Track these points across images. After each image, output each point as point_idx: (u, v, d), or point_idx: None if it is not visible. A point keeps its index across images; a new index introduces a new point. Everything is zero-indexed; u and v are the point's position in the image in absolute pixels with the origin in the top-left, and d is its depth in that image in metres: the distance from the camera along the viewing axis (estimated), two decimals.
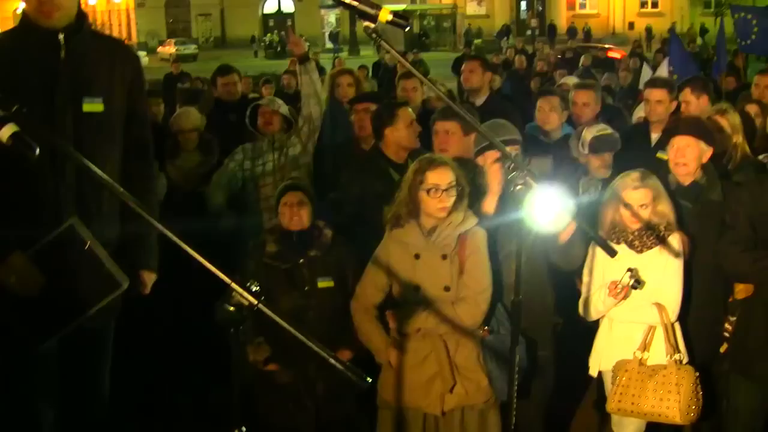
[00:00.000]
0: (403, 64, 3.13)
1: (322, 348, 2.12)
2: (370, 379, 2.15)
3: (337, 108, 7.03)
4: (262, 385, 4.87)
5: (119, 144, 4.02)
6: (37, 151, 2.38)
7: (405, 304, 4.52)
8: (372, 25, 2.81)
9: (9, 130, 2.37)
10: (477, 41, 50.23)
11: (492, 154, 4.62)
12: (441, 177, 4.43)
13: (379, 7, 2.81)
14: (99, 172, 2.26)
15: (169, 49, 51.73)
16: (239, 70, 8.91)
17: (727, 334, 4.85)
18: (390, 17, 2.83)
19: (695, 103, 6.68)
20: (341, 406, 4.93)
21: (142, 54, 52.41)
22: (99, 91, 3.84)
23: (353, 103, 6.26)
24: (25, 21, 3.79)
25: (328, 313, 4.84)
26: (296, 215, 4.91)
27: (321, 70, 22.31)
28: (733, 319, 4.81)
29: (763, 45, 12.81)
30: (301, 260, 4.90)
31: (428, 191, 4.43)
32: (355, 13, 2.83)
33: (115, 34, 64.51)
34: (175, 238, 2.15)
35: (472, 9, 61.99)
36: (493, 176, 4.60)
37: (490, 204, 4.66)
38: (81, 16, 3.85)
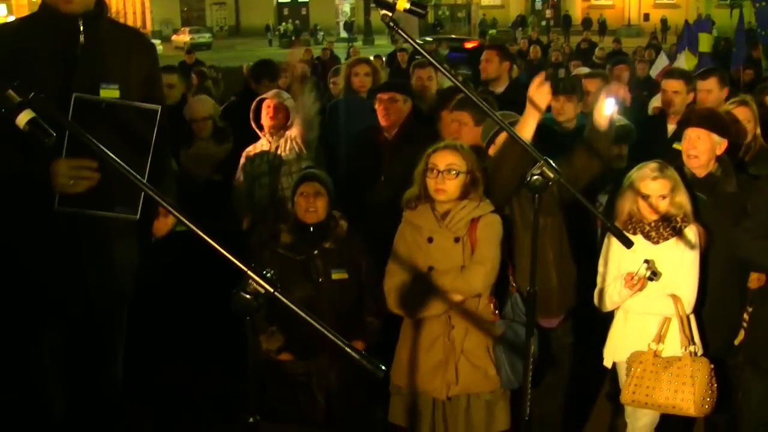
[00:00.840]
0: (420, 52, 3.12)
1: (337, 337, 2.11)
2: (384, 368, 2.14)
3: (353, 97, 7.01)
4: (273, 374, 4.87)
5: None
6: (54, 137, 2.39)
7: (419, 287, 4.52)
8: (390, 14, 2.81)
9: (26, 116, 2.38)
10: (491, 31, 50.15)
11: (537, 80, 4.48)
12: (441, 159, 4.49)
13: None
14: (114, 157, 2.26)
15: (184, 37, 51.83)
16: (252, 59, 8.87)
17: (745, 324, 4.83)
18: (408, 5, 2.83)
19: (717, 94, 6.64)
20: (353, 398, 4.94)
21: (156, 42, 52.58)
22: (116, 78, 3.82)
23: (378, 92, 6.21)
24: (45, 6, 3.78)
25: (341, 304, 4.84)
26: (312, 206, 4.90)
27: (335, 59, 22.42)
28: (750, 309, 4.80)
29: None
30: (316, 252, 4.90)
31: (428, 172, 4.49)
32: (373, 2, 2.83)
33: (130, 22, 64.52)
34: (191, 225, 2.15)
35: None
36: (543, 95, 4.43)
37: (529, 129, 4.48)
38: (100, 3, 3.85)
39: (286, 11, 62.15)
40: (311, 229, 4.92)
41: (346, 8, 61.58)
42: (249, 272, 2.08)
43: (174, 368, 5.87)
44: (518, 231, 4.79)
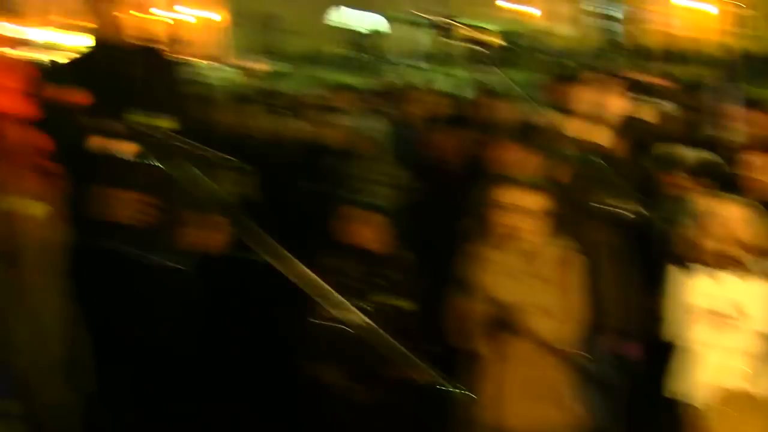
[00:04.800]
0: (508, 86, 3.16)
1: (419, 361, 2.12)
2: (465, 391, 2.14)
3: (421, 125, 7.07)
4: (332, 403, 4.87)
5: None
6: (160, 167, 2.46)
7: (499, 324, 4.51)
8: (482, 49, 2.83)
9: (133, 144, 2.47)
10: (564, 62, 49.77)
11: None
12: (522, 198, 4.51)
13: (487, 31, 2.83)
14: (215, 187, 2.32)
15: (261, 66, 52.54)
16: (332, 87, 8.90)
17: None
18: (501, 41, 2.84)
19: None
20: (414, 425, 4.93)
21: (235, 71, 53.32)
22: (167, 107, 3.86)
23: (437, 125, 6.28)
24: (100, 41, 3.85)
25: (399, 332, 4.80)
26: (374, 234, 5.04)
27: (408, 88, 22.45)
28: None
29: None
30: (376, 278, 4.96)
31: (516, 212, 4.48)
32: (455, 34, 2.86)
33: (208, 50, 65.62)
34: (270, 254, 2.18)
35: (559, 30, 61.42)
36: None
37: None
38: (153, 35, 3.89)
39: (362, 40, 62.65)
40: (371, 256, 5.01)
41: (421, 37, 61.68)
42: (343, 301, 2.10)
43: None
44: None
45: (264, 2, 63.70)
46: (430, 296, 5.07)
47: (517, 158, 5.53)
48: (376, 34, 63.02)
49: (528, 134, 5.51)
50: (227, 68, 52.99)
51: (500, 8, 56.99)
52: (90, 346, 3.40)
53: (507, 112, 7.06)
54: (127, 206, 3.39)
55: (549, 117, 3.27)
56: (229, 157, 3.60)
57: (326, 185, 6.30)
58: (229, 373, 5.48)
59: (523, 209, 4.48)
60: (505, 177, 5.19)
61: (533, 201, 4.50)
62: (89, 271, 3.55)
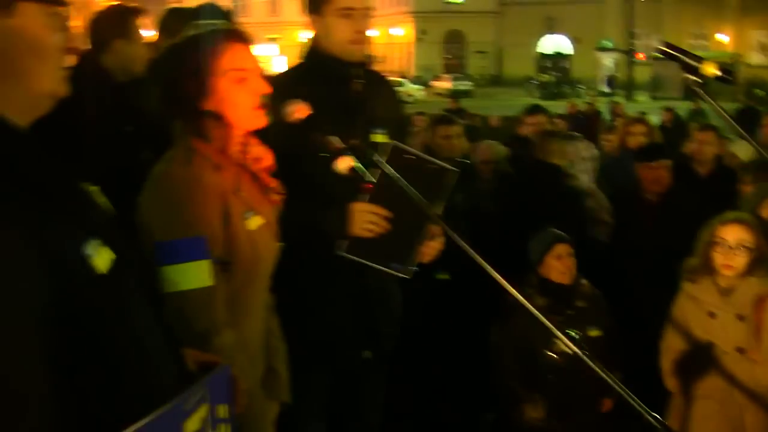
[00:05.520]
0: (726, 120, 3.05)
1: (631, 396, 2.08)
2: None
3: (628, 157, 6.94)
4: None
5: None
6: (374, 183, 2.51)
7: (697, 363, 4.38)
8: (698, 80, 2.77)
9: (348, 162, 2.53)
10: (758, 92, 47.83)
11: None
12: (731, 233, 4.31)
13: (702, 60, 2.79)
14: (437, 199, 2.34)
15: (445, 84, 52.93)
16: (516, 109, 8.86)
17: None
18: (718, 72, 2.79)
19: None
20: None
21: (417, 87, 53.92)
22: (382, 123, 3.85)
23: (642, 160, 6.14)
24: (318, 54, 3.84)
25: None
26: (567, 267, 4.93)
27: (598, 115, 22.22)
28: None
29: None
30: (571, 311, 4.81)
31: (716, 246, 4.32)
32: (679, 64, 2.81)
33: (395, 67, 66.80)
34: (501, 280, 2.19)
35: (755, 58, 59.21)
36: None
37: None
38: (368, 50, 3.95)
39: (547, 63, 62.24)
40: (563, 289, 4.91)
41: (608, 62, 60.70)
42: (558, 333, 2.10)
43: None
44: None
45: (448, 21, 64.49)
46: (615, 324, 4.98)
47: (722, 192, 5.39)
48: (560, 57, 62.73)
49: (736, 168, 5.34)
50: (410, 84, 53.81)
51: (695, 35, 55.66)
52: (288, 356, 3.45)
53: (713, 144, 6.87)
54: (359, 218, 3.42)
55: (756, 149, 3.14)
56: (456, 168, 3.60)
57: (519, 213, 6.28)
58: (428, 393, 5.55)
59: (726, 244, 4.31)
60: (708, 211, 5.08)
61: (737, 236, 4.33)
62: (299, 282, 3.64)
